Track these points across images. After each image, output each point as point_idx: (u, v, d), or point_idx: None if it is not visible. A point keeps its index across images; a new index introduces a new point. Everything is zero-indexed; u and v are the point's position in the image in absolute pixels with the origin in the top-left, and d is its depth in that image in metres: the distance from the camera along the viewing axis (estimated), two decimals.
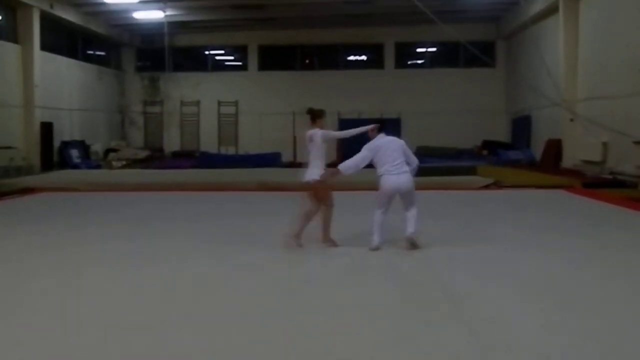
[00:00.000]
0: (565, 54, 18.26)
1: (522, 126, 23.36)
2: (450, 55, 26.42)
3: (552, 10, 19.22)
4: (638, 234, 8.16)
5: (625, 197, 11.61)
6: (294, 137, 25.75)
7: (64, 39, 22.73)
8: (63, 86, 22.14)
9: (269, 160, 21.51)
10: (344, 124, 25.72)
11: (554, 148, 19.16)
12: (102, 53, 26.23)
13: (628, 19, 14.94)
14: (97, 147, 23.73)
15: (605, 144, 15.92)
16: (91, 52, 25.11)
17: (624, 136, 14.41)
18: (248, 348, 3.96)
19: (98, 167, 21.16)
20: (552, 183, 14.26)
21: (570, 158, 18.17)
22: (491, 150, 23.32)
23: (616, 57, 15.54)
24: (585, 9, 17.64)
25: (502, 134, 25.30)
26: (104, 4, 21.06)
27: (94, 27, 23.54)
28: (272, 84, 26.77)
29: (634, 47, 14.54)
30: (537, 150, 21.04)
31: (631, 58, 14.66)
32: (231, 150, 26.66)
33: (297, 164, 23.29)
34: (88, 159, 22.12)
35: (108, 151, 23.85)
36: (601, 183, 14.28)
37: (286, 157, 23.80)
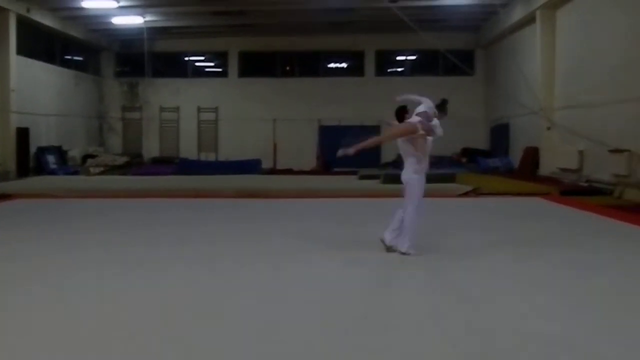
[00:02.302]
0: (542, 63, 18.48)
1: (500, 134, 23.57)
2: (430, 64, 26.59)
3: (529, 20, 19.45)
4: (614, 242, 8.24)
5: (601, 205, 11.75)
6: (274, 144, 25.75)
7: (42, 44, 22.49)
8: (40, 91, 21.89)
9: (249, 166, 21.44)
10: (324, 131, 25.88)
11: (532, 156, 19.35)
12: (80, 58, 25.99)
13: (604, 28, 15.16)
14: (75, 153, 23.48)
15: (581, 152, 16.12)
16: (69, 57, 24.87)
17: (599, 144, 14.60)
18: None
19: (75, 173, 20.91)
20: (530, 190, 14.38)
21: (547, 166, 18.35)
22: (470, 157, 23.50)
23: (592, 67, 15.75)
24: (562, 19, 17.87)
25: (481, 141, 25.50)
26: (83, 8, 20.89)
27: (72, 32, 23.35)
28: (252, 90, 26.72)
29: (610, 56, 14.76)
30: (516, 157, 21.23)
31: (607, 67, 14.87)
32: (211, 157, 26.57)
33: (277, 171, 23.34)
34: (65, 165, 21.87)
35: (86, 157, 23.61)
36: (578, 191, 14.45)
37: (266, 163, 23.77)
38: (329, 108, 25.75)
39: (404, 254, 6.79)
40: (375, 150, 25.37)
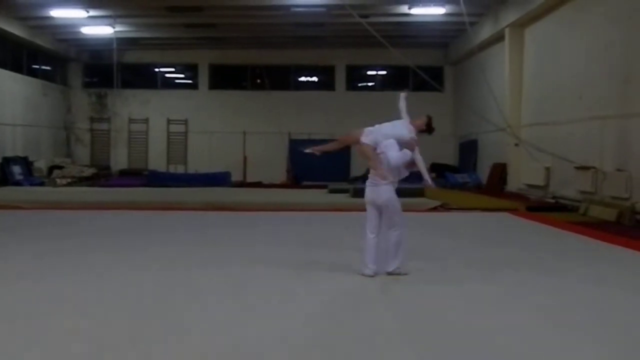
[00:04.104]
0: (510, 80, 18.77)
1: (469, 150, 23.85)
2: (400, 79, 26.77)
3: (498, 38, 19.77)
4: (581, 257, 8.38)
5: (566, 221, 11.95)
6: (244, 157, 25.65)
7: (8, 53, 22.10)
8: (6, 101, 21.47)
9: (219, 179, 21.32)
10: (295, 145, 25.86)
11: (499, 172, 19.60)
12: (48, 68, 25.62)
13: (569, 47, 15.47)
14: (41, 164, 23.04)
15: (548, 169, 16.36)
16: (36, 66, 24.50)
17: (565, 161, 14.85)
18: None
19: (41, 184, 20.54)
20: (497, 206, 14.54)
21: (514, 182, 18.60)
22: (439, 173, 23.68)
23: (559, 85, 16.04)
24: (530, 38, 18.21)
25: (449, 157, 25.75)
26: (51, 18, 20.58)
27: (40, 41, 23.01)
28: (222, 103, 26.63)
29: (576, 74, 15.06)
30: (483, 173, 21.47)
31: (573, 85, 15.17)
32: (180, 169, 26.34)
33: (247, 184, 23.23)
34: (31, 176, 21.44)
35: (52, 168, 23.19)
36: (544, 207, 14.68)
37: (236, 176, 23.65)
38: (299, 122, 25.76)
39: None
40: (345, 163, 25.48)
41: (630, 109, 12.57)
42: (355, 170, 24.89)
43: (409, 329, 4.85)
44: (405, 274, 6.58)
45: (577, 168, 14.33)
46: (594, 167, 13.73)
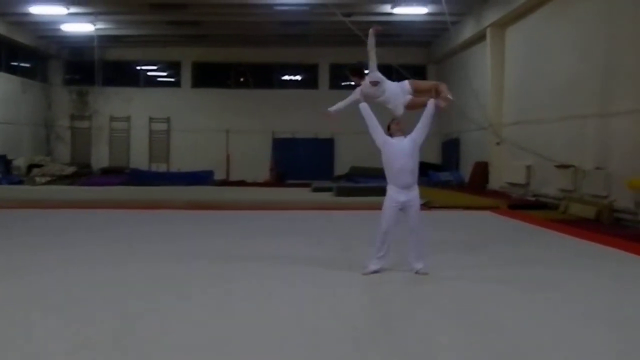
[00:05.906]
0: (492, 79, 18.89)
1: (451, 148, 23.96)
2: None
3: (480, 37, 19.88)
4: (561, 255, 8.46)
5: (546, 219, 12.06)
6: (227, 155, 25.57)
7: None
8: None
9: (201, 178, 21.24)
10: (278, 143, 25.85)
11: (482, 170, 19.71)
12: (28, 65, 25.33)
13: (551, 47, 15.59)
14: (20, 162, 22.75)
15: (529, 167, 16.49)
16: (15, 63, 24.20)
17: (546, 160, 14.98)
18: None
19: (20, 182, 20.30)
20: (479, 204, 14.64)
21: (496, 180, 18.72)
22: (422, 171, 23.71)
23: (540, 84, 16.17)
24: (511, 37, 18.33)
25: (432, 155, 25.83)
26: (30, 14, 20.33)
27: (20, 37, 22.72)
28: (205, 101, 26.50)
29: (556, 74, 15.18)
30: (466, 172, 21.59)
31: (553, 85, 15.29)
32: (162, 168, 26.16)
33: (230, 183, 23.16)
34: (9, 174, 21.18)
35: (31, 166, 22.92)
36: (525, 205, 14.81)
37: (219, 175, 23.57)
38: (282, 120, 25.74)
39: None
40: (329, 162, 25.54)
41: (610, 108, 12.70)
42: (339, 169, 24.95)
43: (390, 328, 4.87)
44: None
45: (558, 166, 14.45)
46: (573, 166, 13.86)
